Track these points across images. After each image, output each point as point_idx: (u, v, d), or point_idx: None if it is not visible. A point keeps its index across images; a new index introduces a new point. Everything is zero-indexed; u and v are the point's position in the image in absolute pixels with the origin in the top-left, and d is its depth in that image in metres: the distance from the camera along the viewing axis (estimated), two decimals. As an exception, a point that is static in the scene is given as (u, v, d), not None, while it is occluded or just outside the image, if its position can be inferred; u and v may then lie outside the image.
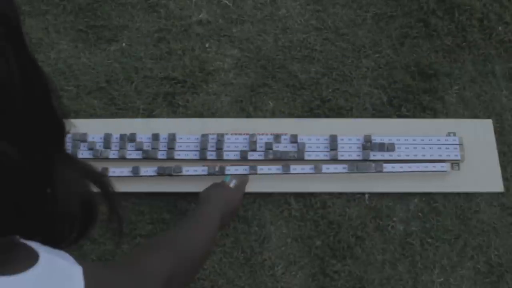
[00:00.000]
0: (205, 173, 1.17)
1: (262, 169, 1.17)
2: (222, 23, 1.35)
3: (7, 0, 0.41)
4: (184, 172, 1.17)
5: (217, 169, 1.17)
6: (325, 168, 1.16)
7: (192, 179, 1.18)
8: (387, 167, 1.16)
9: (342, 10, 1.35)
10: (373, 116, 1.25)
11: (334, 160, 1.18)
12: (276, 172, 1.16)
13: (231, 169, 1.17)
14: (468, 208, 1.17)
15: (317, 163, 1.16)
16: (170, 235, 0.93)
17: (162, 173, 1.17)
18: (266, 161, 1.18)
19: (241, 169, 1.17)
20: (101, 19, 1.35)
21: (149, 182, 1.18)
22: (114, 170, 1.18)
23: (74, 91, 1.28)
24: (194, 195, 1.18)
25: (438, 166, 1.16)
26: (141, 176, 1.17)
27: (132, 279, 0.66)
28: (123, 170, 1.18)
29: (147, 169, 1.18)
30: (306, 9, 1.36)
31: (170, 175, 1.17)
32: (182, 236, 0.91)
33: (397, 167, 1.16)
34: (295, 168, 1.17)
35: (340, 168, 1.17)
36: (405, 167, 1.16)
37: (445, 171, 1.16)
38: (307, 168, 1.17)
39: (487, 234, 1.15)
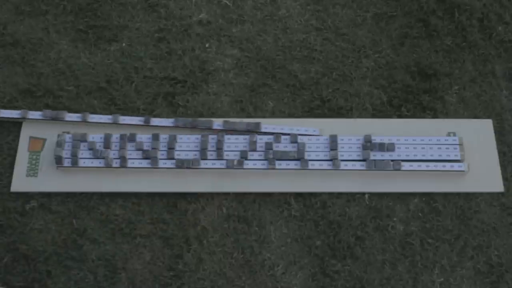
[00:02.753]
0: (224, 166, 1.17)
1: (281, 164, 1.17)
2: (222, 23, 1.35)
3: None
4: (202, 165, 1.18)
5: (235, 163, 1.17)
6: (343, 165, 1.17)
7: (193, 179, 1.18)
8: (405, 165, 1.16)
9: (342, 10, 1.35)
10: (373, 116, 1.25)
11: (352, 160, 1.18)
12: (294, 168, 1.17)
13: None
14: (468, 208, 1.17)
15: (335, 160, 1.17)
16: None
17: (180, 166, 1.17)
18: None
19: (260, 164, 1.18)
20: (101, 19, 1.35)
21: (150, 182, 1.19)
22: (133, 162, 1.18)
23: (74, 91, 1.28)
24: (194, 195, 1.18)
25: (455, 166, 1.16)
26: (160, 167, 1.18)
27: None
28: (142, 162, 1.18)
29: (166, 161, 1.18)
30: (306, 9, 1.36)
31: (188, 167, 1.17)
32: None
33: (415, 165, 1.16)
34: (313, 164, 1.17)
35: (358, 165, 1.17)
36: (423, 165, 1.16)
37: (463, 171, 1.16)
38: (325, 164, 1.17)
39: (487, 234, 1.15)
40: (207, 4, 1.36)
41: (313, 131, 1.20)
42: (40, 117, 1.22)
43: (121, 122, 1.22)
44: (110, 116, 1.22)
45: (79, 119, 1.22)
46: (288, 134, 1.20)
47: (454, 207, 1.17)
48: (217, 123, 1.21)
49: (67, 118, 1.22)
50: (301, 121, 1.23)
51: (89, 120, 1.22)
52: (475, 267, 1.13)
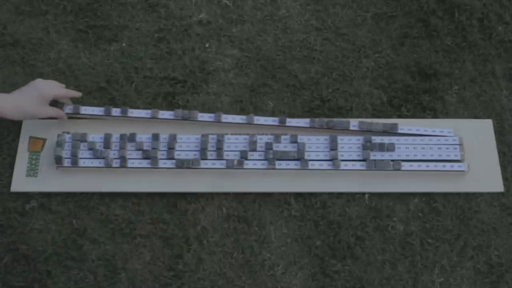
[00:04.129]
0: (224, 166, 1.17)
1: (281, 164, 1.17)
2: (222, 23, 1.35)
3: None
4: (202, 165, 1.18)
5: (235, 163, 1.17)
6: (343, 165, 1.17)
7: (193, 179, 1.18)
8: (405, 165, 1.16)
9: (342, 10, 1.35)
10: (373, 116, 1.25)
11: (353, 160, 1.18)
12: (294, 168, 1.17)
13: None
14: (468, 208, 1.17)
15: (335, 160, 1.17)
16: None
17: (180, 166, 1.17)
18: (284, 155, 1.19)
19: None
20: (101, 19, 1.35)
21: (150, 182, 1.19)
22: (133, 162, 1.18)
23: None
24: (194, 195, 1.18)
25: (455, 166, 1.16)
26: (160, 167, 1.18)
27: None
28: (142, 162, 1.18)
29: (166, 161, 1.18)
30: (306, 9, 1.36)
31: (188, 167, 1.17)
32: None
33: (415, 165, 1.16)
34: (313, 164, 1.17)
35: (358, 165, 1.17)
36: (423, 165, 1.16)
37: (463, 171, 1.16)
38: (325, 164, 1.17)
39: (487, 234, 1.15)
40: (207, 4, 1.37)
41: (447, 132, 1.20)
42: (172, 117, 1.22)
43: (255, 122, 1.21)
44: (244, 117, 1.21)
45: (211, 119, 1.22)
46: (424, 135, 1.19)
47: (454, 207, 1.17)
48: (353, 123, 1.20)
49: (199, 118, 1.22)
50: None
51: (223, 120, 1.21)
52: (475, 267, 1.13)
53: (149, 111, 1.22)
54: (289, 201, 1.18)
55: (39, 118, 1.18)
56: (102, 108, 1.22)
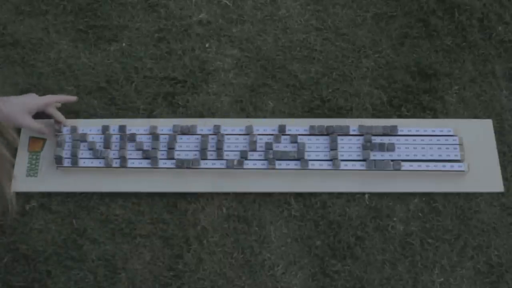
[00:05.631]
0: (224, 166, 1.17)
1: (281, 164, 1.17)
2: (222, 23, 1.35)
3: None
4: (202, 165, 1.18)
5: (235, 163, 1.17)
6: (343, 165, 1.17)
7: (193, 179, 1.18)
8: (405, 165, 1.16)
9: (342, 10, 1.35)
10: (373, 116, 1.25)
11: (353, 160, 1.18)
12: (294, 168, 1.17)
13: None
14: (468, 208, 1.17)
15: (335, 160, 1.17)
16: None
17: (180, 166, 1.17)
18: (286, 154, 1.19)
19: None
20: (101, 19, 1.35)
21: (150, 182, 1.19)
22: (133, 162, 1.18)
23: (74, 91, 1.28)
24: (194, 195, 1.18)
25: (455, 166, 1.16)
26: (160, 167, 1.18)
27: None
28: (142, 162, 1.18)
29: (166, 161, 1.18)
30: (306, 9, 1.36)
31: (188, 167, 1.17)
32: None
33: (415, 165, 1.16)
34: (313, 164, 1.17)
35: (358, 165, 1.17)
36: (423, 165, 1.16)
37: (463, 171, 1.16)
38: (325, 164, 1.17)
39: (487, 234, 1.15)
40: (207, 4, 1.37)
41: (447, 132, 1.20)
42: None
43: (254, 132, 1.20)
44: (243, 128, 1.21)
45: (210, 132, 1.22)
46: (424, 135, 1.19)
47: (454, 207, 1.17)
48: (353, 127, 1.19)
49: (198, 132, 1.21)
50: (301, 121, 1.23)
51: (222, 131, 1.21)
52: (475, 267, 1.13)
53: (147, 127, 1.22)
54: (289, 201, 1.18)
55: (24, 128, 1.21)
56: (99, 127, 1.22)
